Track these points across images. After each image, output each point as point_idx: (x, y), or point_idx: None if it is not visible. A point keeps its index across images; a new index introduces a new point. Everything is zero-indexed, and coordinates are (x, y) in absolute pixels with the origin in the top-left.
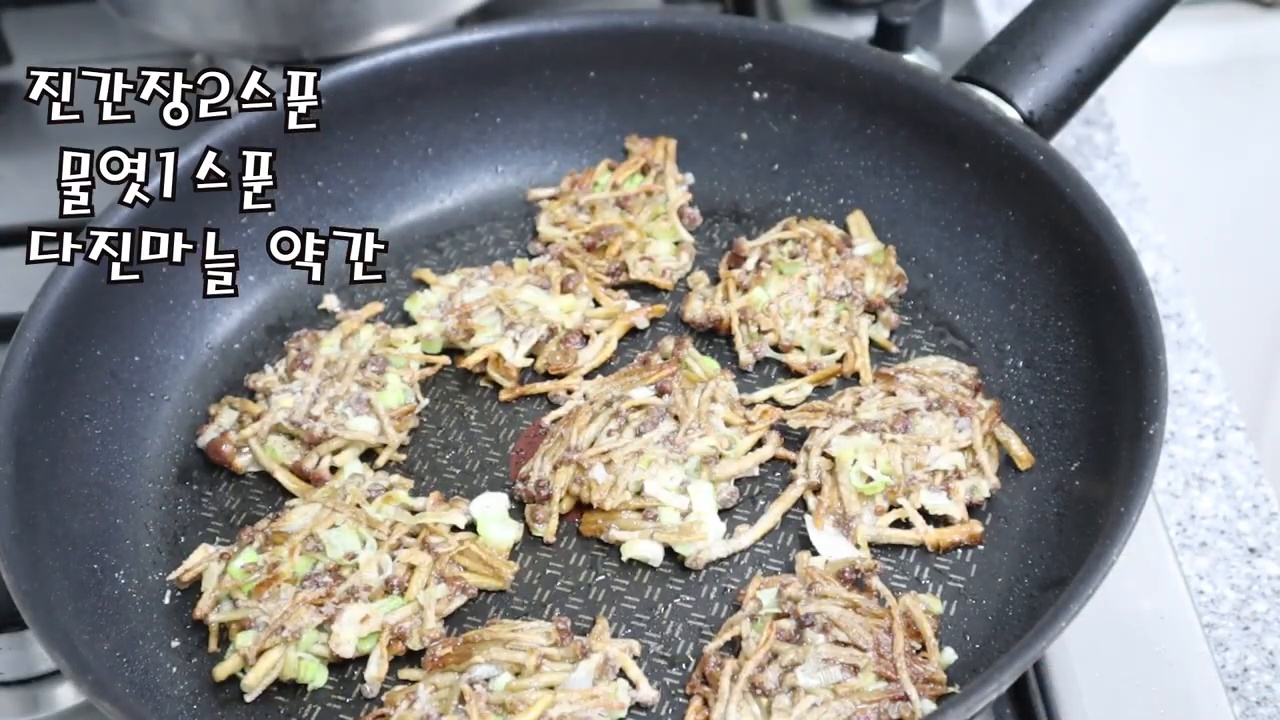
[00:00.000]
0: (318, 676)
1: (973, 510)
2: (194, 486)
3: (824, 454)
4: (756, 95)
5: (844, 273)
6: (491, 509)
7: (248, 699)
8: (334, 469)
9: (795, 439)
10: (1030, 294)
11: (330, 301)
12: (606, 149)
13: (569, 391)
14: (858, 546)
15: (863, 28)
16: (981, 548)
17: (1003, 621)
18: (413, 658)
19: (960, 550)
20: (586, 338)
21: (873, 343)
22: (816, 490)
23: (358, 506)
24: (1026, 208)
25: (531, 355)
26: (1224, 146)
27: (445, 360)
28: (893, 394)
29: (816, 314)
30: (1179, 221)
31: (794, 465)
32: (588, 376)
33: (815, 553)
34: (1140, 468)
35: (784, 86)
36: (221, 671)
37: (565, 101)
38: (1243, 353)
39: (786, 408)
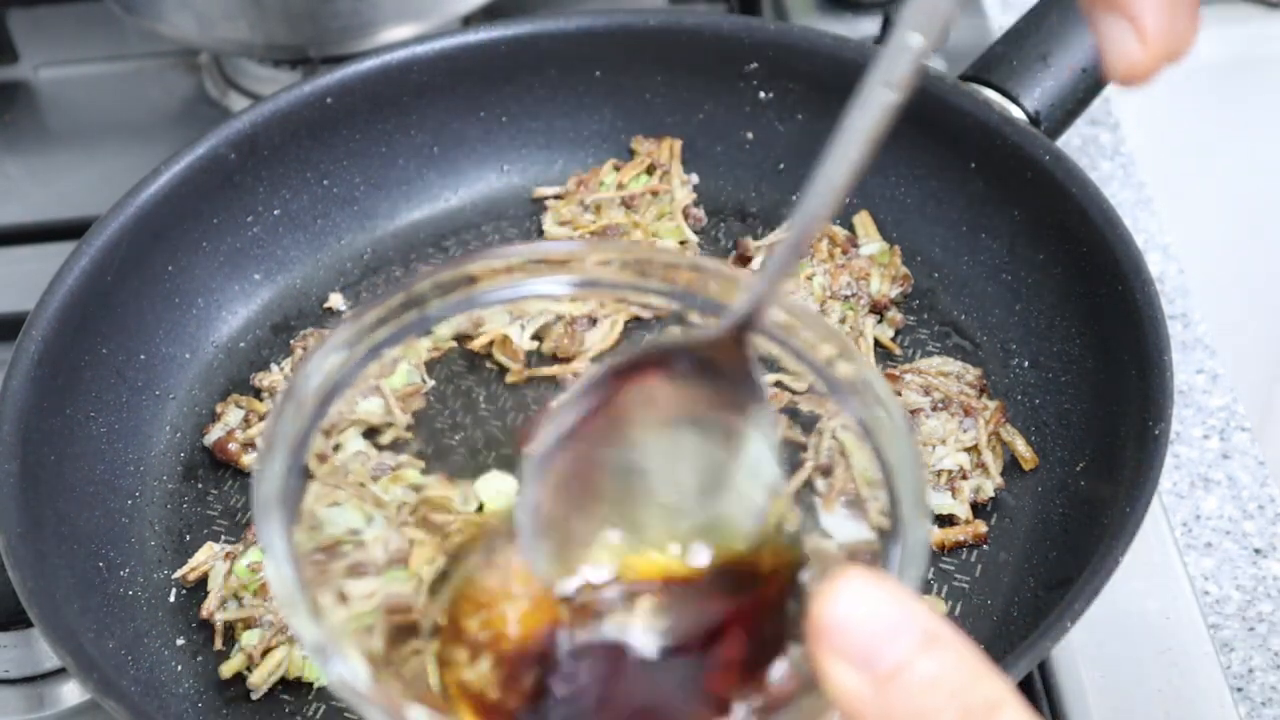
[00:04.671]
0: (323, 675)
1: (978, 510)
2: (200, 485)
3: (835, 437)
4: (762, 95)
5: (849, 272)
6: (499, 489)
7: (253, 697)
8: (336, 447)
9: (805, 422)
10: (1036, 294)
11: (336, 300)
12: (612, 148)
13: (576, 375)
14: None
15: (869, 27)
16: (986, 547)
17: (1008, 621)
18: None
19: (965, 550)
20: (594, 321)
21: (878, 343)
22: (826, 473)
23: (361, 485)
24: (1032, 208)
25: (538, 338)
26: (1231, 146)
27: (452, 343)
28: (898, 394)
29: (822, 313)
30: (1185, 221)
31: (804, 449)
32: (595, 360)
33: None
34: (1146, 468)
35: (790, 86)
36: (227, 670)
37: (571, 101)
38: (1249, 353)
39: (796, 392)
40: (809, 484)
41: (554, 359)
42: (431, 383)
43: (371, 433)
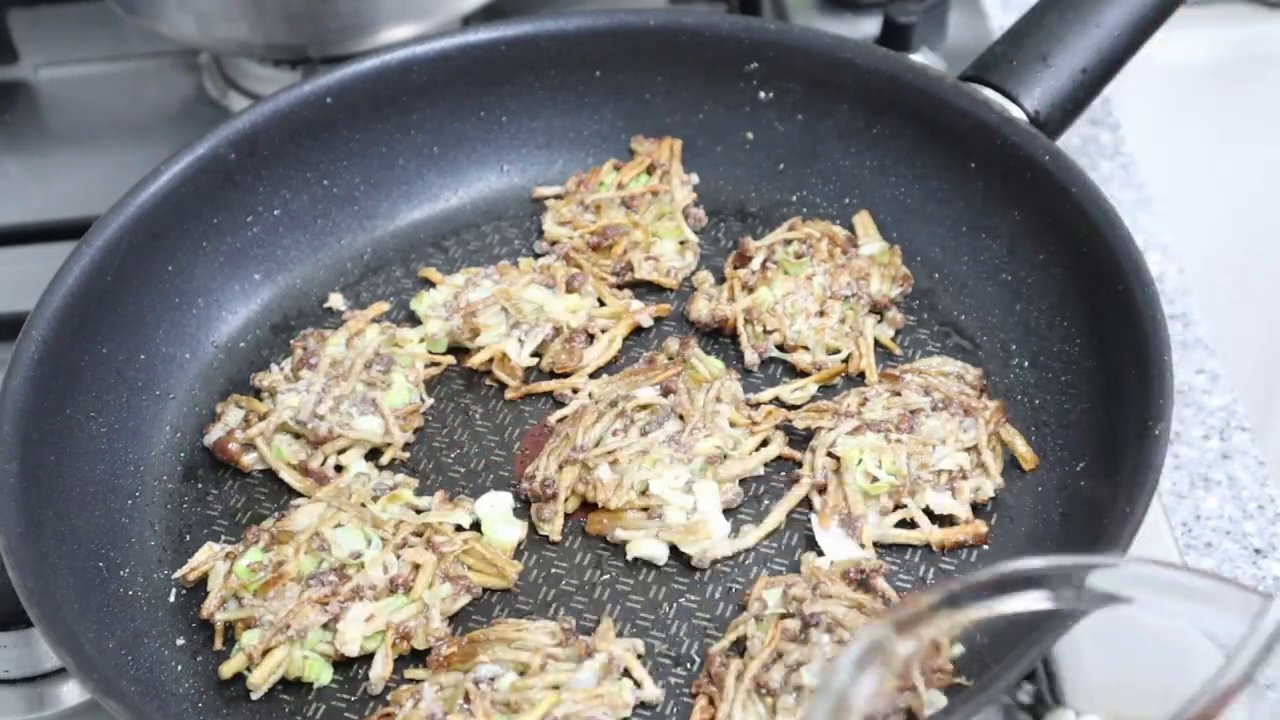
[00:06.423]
0: (323, 675)
1: (978, 510)
2: (199, 485)
3: (829, 454)
4: (762, 95)
5: (849, 272)
6: (496, 508)
7: (253, 697)
8: (339, 468)
9: (800, 439)
10: (1036, 294)
11: (336, 300)
12: (612, 148)
13: (574, 391)
14: (863, 546)
15: (868, 27)
16: (986, 548)
17: (1009, 620)
18: (418, 656)
19: (965, 550)
20: (591, 337)
21: (878, 343)
22: (822, 490)
23: (363, 505)
24: (1032, 208)
25: (537, 354)
26: (1230, 146)
27: (450, 360)
28: (898, 394)
29: (822, 314)
30: (1185, 221)
31: (799, 465)
32: (593, 376)
33: (820, 553)
34: (1145, 468)
35: (789, 86)
36: (227, 670)
37: (571, 101)
38: (1248, 353)
39: (791, 407)
40: (805, 501)
41: (552, 375)
42: (430, 401)
43: (374, 454)
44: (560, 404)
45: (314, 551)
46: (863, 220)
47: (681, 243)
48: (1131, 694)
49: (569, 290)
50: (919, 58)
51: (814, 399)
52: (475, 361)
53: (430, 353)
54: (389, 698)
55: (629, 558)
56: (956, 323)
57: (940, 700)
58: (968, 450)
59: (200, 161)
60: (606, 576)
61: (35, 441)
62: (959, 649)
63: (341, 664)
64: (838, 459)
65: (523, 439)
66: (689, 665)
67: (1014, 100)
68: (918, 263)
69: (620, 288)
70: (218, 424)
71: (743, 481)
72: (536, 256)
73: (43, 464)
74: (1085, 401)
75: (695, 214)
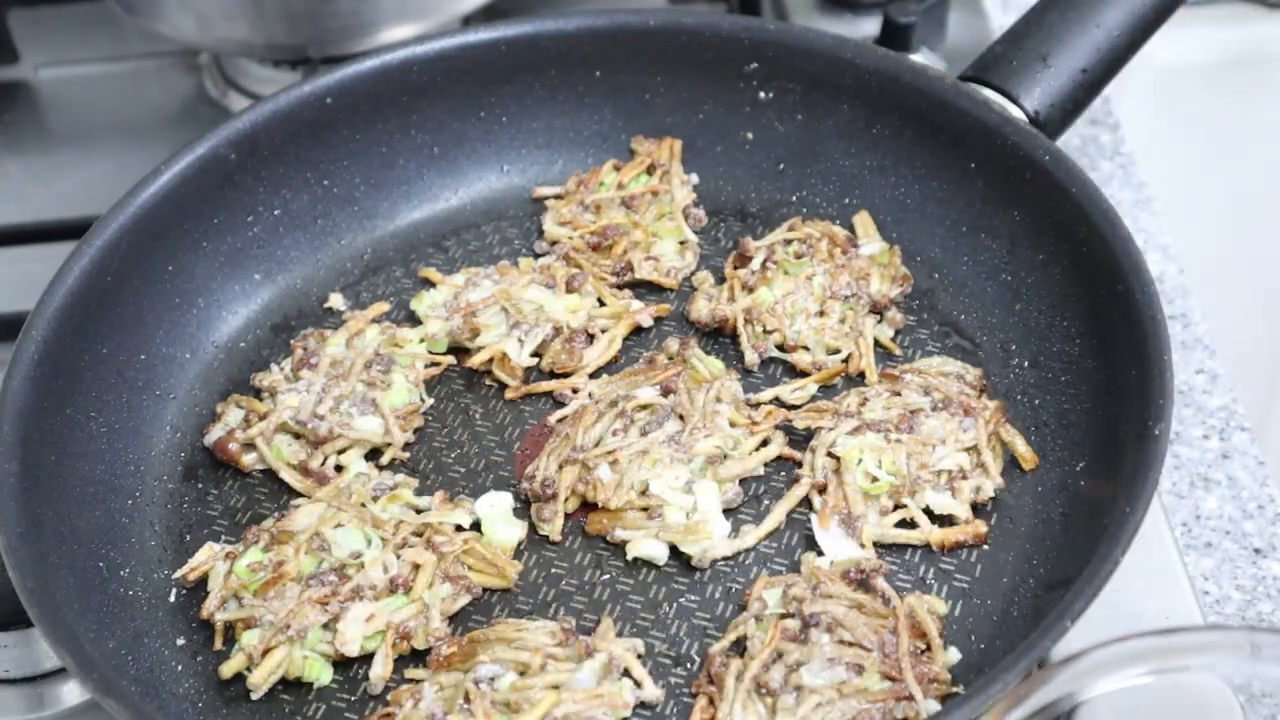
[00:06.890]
0: (323, 675)
1: (977, 510)
2: (200, 485)
3: (829, 454)
4: (762, 95)
5: (849, 273)
6: (496, 508)
7: (253, 697)
8: (339, 468)
9: (800, 439)
10: (1036, 294)
11: (336, 300)
12: (612, 148)
13: (574, 391)
14: (863, 546)
15: (868, 27)
16: (986, 548)
17: (1008, 621)
18: (418, 656)
19: (965, 550)
20: (591, 337)
21: (878, 343)
22: (822, 490)
23: (363, 505)
24: (1032, 208)
25: (537, 354)
26: (1230, 146)
27: (450, 360)
28: (898, 394)
29: (822, 314)
30: (1184, 222)
31: (799, 465)
32: (593, 376)
33: (820, 553)
34: (1145, 468)
35: (789, 86)
36: (227, 669)
37: (571, 101)
38: (1248, 353)
39: (791, 407)
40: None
41: (552, 375)
42: (430, 401)
43: (374, 454)
44: (560, 404)
45: (314, 551)
46: (863, 220)
47: (681, 243)
48: (1133, 707)
49: (569, 290)
50: (919, 58)
51: (814, 399)
52: (475, 361)
53: (430, 353)
54: (389, 698)
55: (629, 558)
56: (956, 323)
57: (935, 708)
58: (968, 450)
59: (200, 161)
60: (606, 576)
61: (35, 441)
62: (955, 655)
63: (341, 664)
64: (838, 459)
65: (523, 439)
66: (689, 665)
67: (1014, 100)
68: (918, 263)
69: (620, 288)
70: (218, 424)
71: (743, 481)
72: (536, 256)
73: (43, 464)
74: (1085, 401)
75: (695, 214)
